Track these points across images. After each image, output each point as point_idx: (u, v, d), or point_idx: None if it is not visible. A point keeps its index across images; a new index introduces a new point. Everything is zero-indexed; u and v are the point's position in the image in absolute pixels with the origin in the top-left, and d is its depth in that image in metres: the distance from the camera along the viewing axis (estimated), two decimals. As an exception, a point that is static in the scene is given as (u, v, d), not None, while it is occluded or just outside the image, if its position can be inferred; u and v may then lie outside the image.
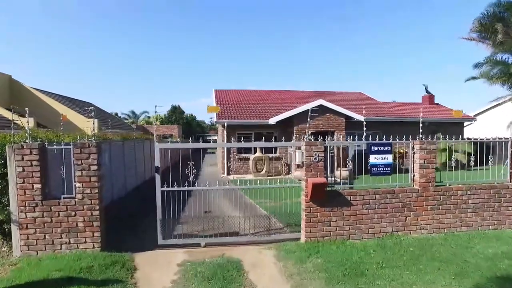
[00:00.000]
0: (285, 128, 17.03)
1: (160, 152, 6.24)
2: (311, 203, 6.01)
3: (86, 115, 6.26)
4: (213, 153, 45.87)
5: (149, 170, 16.54)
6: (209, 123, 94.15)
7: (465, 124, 20.35)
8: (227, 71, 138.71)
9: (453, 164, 6.81)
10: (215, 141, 56.86)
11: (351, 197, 6.20)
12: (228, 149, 16.92)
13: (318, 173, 6.05)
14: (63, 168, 5.37)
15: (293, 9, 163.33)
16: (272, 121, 16.13)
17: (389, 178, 6.71)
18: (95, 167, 5.32)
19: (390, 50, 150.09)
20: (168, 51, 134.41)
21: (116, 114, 53.74)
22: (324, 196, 6.00)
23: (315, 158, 6.03)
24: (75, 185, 5.30)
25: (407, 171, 6.47)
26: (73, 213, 5.28)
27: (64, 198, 5.31)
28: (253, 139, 17.29)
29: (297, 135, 15.76)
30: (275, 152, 17.48)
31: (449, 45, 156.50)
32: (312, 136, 7.49)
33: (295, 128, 15.75)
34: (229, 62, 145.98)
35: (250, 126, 17.00)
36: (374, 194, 6.25)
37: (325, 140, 6.36)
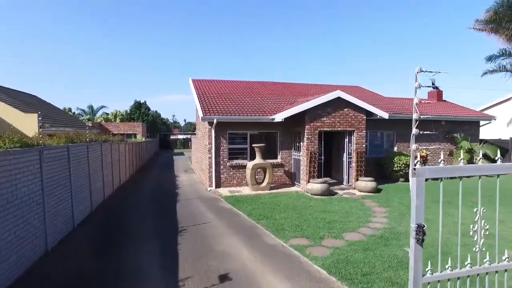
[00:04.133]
0: (291, 127, 13.41)
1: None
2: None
3: None
4: (182, 154, 41.15)
5: (111, 183, 12.18)
6: (172, 121, 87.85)
7: (481, 123, 18.02)
8: (191, 68, 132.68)
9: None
10: (183, 141, 51.98)
11: None
12: (217, 154, 12.98)
13: None
14: None
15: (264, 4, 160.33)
16: (279, 117, 12.39)
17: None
18: None
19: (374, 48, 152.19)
20: (129, 46, 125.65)
21: (70, 109, 47.09)
22: None
23: None
24: None
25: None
26: None
27: None
28: (248, 140, 13.50)
29: (309, 136, 12.20)
30: (275, 158, 13.82)
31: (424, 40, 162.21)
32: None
33: (306, 126, 12.15)
34: (193, 59, 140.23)
35: (244, 124, 13.16)
36: None
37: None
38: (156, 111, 59.44)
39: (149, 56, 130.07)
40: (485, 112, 22.50)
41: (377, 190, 12.06)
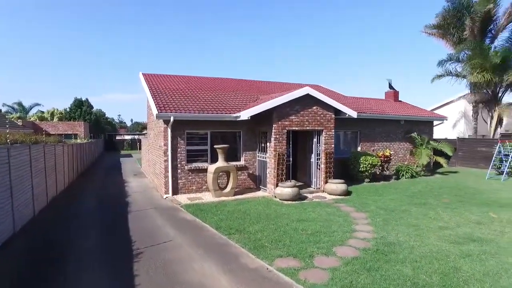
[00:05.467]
0: (255, 126, 12.34)
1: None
2: None
3: None
4: (130, 155, 38.04)
5: (44, 193, 10.10)
6: (118, 121, 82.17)
7: (435, 123, 18.59)
8: (135, 65, 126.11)
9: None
10: (131, 142, 48.46)
11: None
12: (174, 157, 11.47)
13: None
14: None
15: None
16: (245, 115, 11.20)
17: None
18: None
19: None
20: (70, 40, 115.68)
21: (-5, 106, 41.24)
22: None
23: None
24: None
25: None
26: None
27: None
28: (209, 140, 12.17)
29: (277, 136, 11.23)
30: (238, 160, 12.66)
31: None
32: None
33: (274, 125, 11.16)
34: (140, 55, 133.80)
35: (205, 123, 11.81)
36: None
37: None
38: (100, 110, 54.93)
39: (91, 52, 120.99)
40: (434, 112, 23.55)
41: (347, 193, 11.47)
